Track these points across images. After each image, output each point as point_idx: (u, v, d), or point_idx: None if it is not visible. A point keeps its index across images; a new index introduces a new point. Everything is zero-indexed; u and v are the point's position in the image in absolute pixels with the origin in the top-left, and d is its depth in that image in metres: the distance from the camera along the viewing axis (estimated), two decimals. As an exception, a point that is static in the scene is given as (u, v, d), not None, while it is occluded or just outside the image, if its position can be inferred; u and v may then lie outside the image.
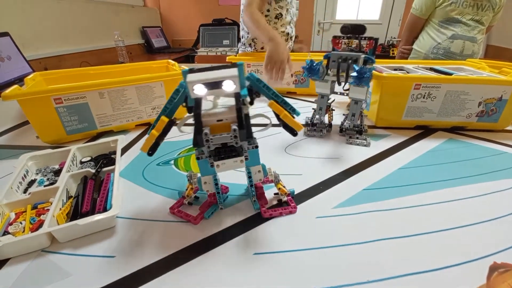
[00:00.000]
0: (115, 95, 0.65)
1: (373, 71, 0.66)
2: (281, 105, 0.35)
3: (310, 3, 2.99)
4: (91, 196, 0.41)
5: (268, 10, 1.20)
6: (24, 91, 0.58)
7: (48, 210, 0.39)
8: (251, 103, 0.34)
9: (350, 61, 0.56)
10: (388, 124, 0.71)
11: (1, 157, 0.58)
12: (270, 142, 0.62)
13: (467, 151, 0.60)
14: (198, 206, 0.42)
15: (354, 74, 0.51)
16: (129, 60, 2.12)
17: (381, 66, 0.80)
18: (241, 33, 1.36)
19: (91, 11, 2.14)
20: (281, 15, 1.22)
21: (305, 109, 0.82)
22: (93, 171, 0.47)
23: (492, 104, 0.66)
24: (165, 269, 0.32)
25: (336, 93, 0.64)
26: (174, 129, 0.35)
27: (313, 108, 0.66)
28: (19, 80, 1.18)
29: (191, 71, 0.30)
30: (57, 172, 0.49)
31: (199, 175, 0.38)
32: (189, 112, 0.33)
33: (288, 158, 0.56)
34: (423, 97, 0.65)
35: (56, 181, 0.45)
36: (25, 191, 0.45)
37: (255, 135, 0.36)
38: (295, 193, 0.45)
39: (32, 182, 0.47)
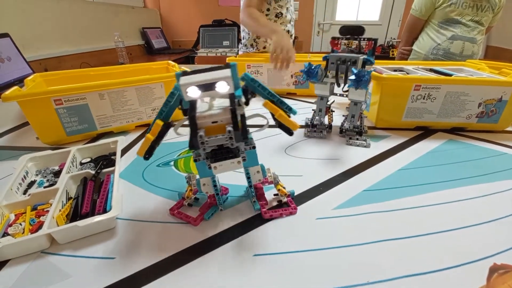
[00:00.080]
0: (115, 96, 0.65)
1: (373, 72, 0.67)
2: (277, 104, 0.35)
3: (310, 4, 2.99)
4: (91, 197, 0.41)
5: (268, 9, 1.20)
6: (24, 92, 0.58)
7: (47, 211, 0.39)
8: (246, 103, 0.34)
9: (349, 63, 0.56)
10: (388, 125, 0.71)
11: (1, 158, 0.58)
12: (270, 143, 0.62)
13: (467, 152, 0.60)
14: (198, 208, 0.42)
15: (353, 77, 0.51)
16: (129, 61, 2.12)
17: (381, 67, 0.81)
18: (242, 34, 1.37)
19: (91, 12, 2.14)
20: (281, 14, 1.23)
21: (305, 110, 0.82)
22: (93, 172, 0.47)
23: (492, 105, 0.66)
24: (165, 270, 0.32)
25: (336, 94, 0.64)
26: (173, 130, 0.35)
27: (313, 109, 0.66)
28: (19, 81, 1.18)
29: (185, 73, 0.30)
30: (57, 173, 0.49)
31: (197, 176, 0.38)
32: (185, 115, 0.33)
33: (288, 159, 0.56)
34: (423, 98, 0.65)
35: (56, 182, 0.45)
36: (24, 192, 0.45)
37: (253, 135, 0.36)
38: (296, 194, 0.45)
39: (32, 183, 0.47)
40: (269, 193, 0.45)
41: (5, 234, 0.36)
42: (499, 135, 0.69)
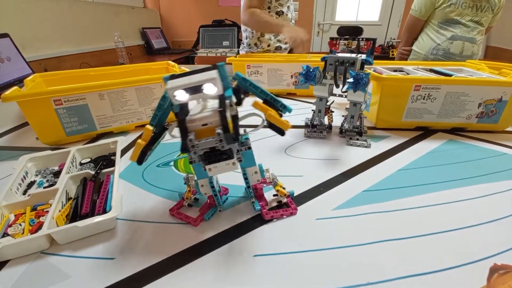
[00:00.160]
0: (115, 96, 0.65)
1: (373, 72, 0.67)
2: (271, 102, 0.34)
3: (309, 4, 3.00)
4: (90, 197, 0.41)
5: (269, 8, 1.21)
6: (24, 92, 0.58)
7: (47, 211, 0.39)
8: (238, 103, 0.33)
9: (347, 64, 0.56)
10: (388, 125, 0.71)
11: (1, 159, 0.58)
12: (270, 143, 0.62)
13: (467, 152, 0.60)
14: (198, 208, 0.41)
15: (351, 80, 0.51)
16: (129, 61, 2.12)
17: (381, 67, 0.81)
18: (244, 34, 1.37)
19: (91, 12, 2.14)
20: (282, 12, 1.24)
21: (305, 110, 0.82)
22: (93, 172, 0.47)
23: (492, 105, 0.66)
24: (165, 271, 0.32)
25: (335, 95, 0.64)
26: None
27: (312, 110, 0.66)
28: (19, 81, 1.18)
29: (172, 77, 0.30)
30: (57, 174, 0.49)
31: (196, 177, 0.38)
32: (177, 118, 0.32)
33: (288, 159, 0.56)
34: (423, 98, 0.66)
35: (55, 182, 0.44)
36: (24, 192, 0.45)
37: (250, 135, 0.36)
38: (296, 194, 0.45)
39: (31, 184, 0.47)
40: (269, 194, 0.44)
41: (5, 234, 0.36)
42: (499, 135, 0.69)
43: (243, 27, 1.36)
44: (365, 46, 0.60)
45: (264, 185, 0.44)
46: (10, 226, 0.37)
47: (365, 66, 0.58)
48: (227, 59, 0.98)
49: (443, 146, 0.63)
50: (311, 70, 0.57)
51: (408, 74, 0.77)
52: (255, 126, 0.34)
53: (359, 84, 0.51)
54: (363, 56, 0.58)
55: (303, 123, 0.73)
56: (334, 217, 0.40)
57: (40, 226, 0.36)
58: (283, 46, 1.39)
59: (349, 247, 0.35)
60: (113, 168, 0.47)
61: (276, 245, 0.35)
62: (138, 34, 2.74)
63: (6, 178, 0.50)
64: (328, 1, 3.01)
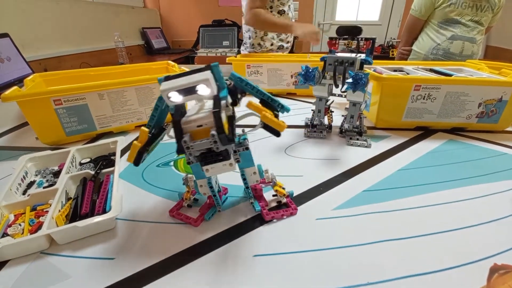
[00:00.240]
0: (114, 96, 0.64)
1: (373, 72, 0.67)
2: (268, 102, 0.34)
3: (310, 4, 3.00)
4: (90, 197, 0.41)
5: (271, 7, 1.22)
6: (24, 92, 0.58)
7: (47, 212, 0.39)
8: (233, 104, 0.33)
9: (346, 64, 0.56)
10: (388, 125, 0.71)
11: (0, 159, 0.58)
12: (270, 143, 0.62)
13: (467, 152, 0.60)
14: (198, 208, 0.41)
15: (350, 80, 0.51)
16: (129, 61, 2.12)
17: (381, 67, 0.80)
18: (247, 34, 1.38)
19: (91, 12, 2.14)
20: (284, 11, 1.26)
21: (305, 110, 0.82)
22: (93, 172, 0.47)
23: (492, 105, 0.66)
24: (165, 271, 0.32)
25: (334, 94, 0.64)
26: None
27: (312, 110, 0.66)
28: (19, 81, 1.17)
29: (167, 78, 0.29)
30: (57, 174, 0.49)
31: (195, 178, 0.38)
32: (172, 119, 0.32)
33: (288, 159, 0.56)
34: (423, 98, 0.65)
35: (55, 182, 0.44)
36: (24, 192, 0.45)
37: (249, 135, 0.36)
38: (296, 194, 0.45)
39: (31, 184, 0.47)
40: (268, 194, 0.44)
41: (5, 234, 0.36)
42: (499, 135, 0.69)
43: (245, 27, 1.37)
44: (364, 46, 0.60)
45: (263, 185, 0.44)
46: (9, 226, 0.37)
47: (365, 66, 0.58)
48: (227, 59, 0.98)
49: (443, 146, 0.62)
50: (310, 70, 0.57)
51: (408, 74, 0.77)
52: (254, 126, 0.34)
53: (358, 84, 0.51)
54: (363, 56, 0.58)
55: (303, 123, 0.73)
56: (334, 217, 0.40)
57: (39, 226, 0.36)
58: (285, 45, 1.42)
59: (349, 247, 0.35)
60: (113, 168, 0.47)
61: (276, 245, 0.35)
62: (138, 34, 2.74)
63: (5, 178, 0.50)
64: (328, 1, 3.01)
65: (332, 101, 0.65)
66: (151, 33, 2.78)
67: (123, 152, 0.59)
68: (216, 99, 0.30)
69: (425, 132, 0.69)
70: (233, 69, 0.97)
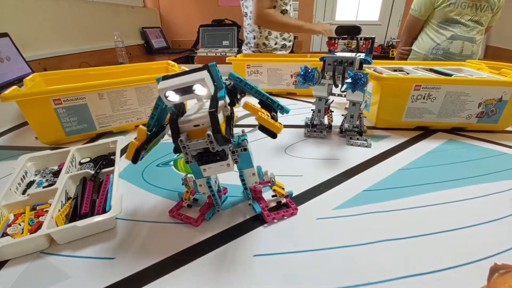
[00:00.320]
0: (114, 96, 0.64)
1: (373, 72, 0.67)
2: (267, 103, 0.34)
3: (309, 4, 3.00)
4: (90, 197, 0.41)
5: (275, 7, 1.26)
6: (23, 92, 0.58)
7: (47, 211, 0.38)
8: (231, 104, 0.33)
9: (346, 63, 0.56)
10: (388, 125, 0.71)
11: (0, 158, 0.58)
12: (270, 143, 0.62)
13: (467, 152, 0.60)
14: (198, 208, 0.41)
15: (349, 80, 0.51)
16: (128, 61, 2.12)
17: (381, 67, 0.80)
18: (251, 34, 1.40)
19: (90, 12, 2.14)
20: (286, 10, 1.29)
21: (305, 110, 0.82)
22: (92, 172, 0.46)
23: (492, 105, 0.66)
24: (165, 271, 0.32)
25: (334, 94, 0.64)
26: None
27: (312, 110, 0.66)
28: (18, 81, 1.17)
29: (165, 77, 0.30)
30: (56, 173, 0.49)
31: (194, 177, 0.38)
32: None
33: (288, 159, 0.56)
34: (423, 98, 0.65)
35: (55, 182, 0.44)
36: (24, 192, 0.45)
37: (249, 135, 0.36)
38: (295, 194, 0.45)
39: (31, 183, 0.47)
40: (268, 194, 0.44)
41: (4, 234, 0.36)
42: (499, 135, 0.69)
43: (249, 28, 1.39)
44: (364, 46, 0.60)
45: (262, 185, 0.44)
46: (9, 226, 0.37)
47: (364, 65, 0.58)
48: (227, 58, 0.98)
49: (443, 145, 0.62)
50: (310, 70, 0.57)
51: (408, 74, 0.77)
52: (255, 126, 0.34)
53: (358, 84, 0.51)
54: (362, 56, 0.58)
55: (303, 123, 0.73)
56: (334, 216, 0.40)
57: (39, 225, 0.36)
58: (288, 44, 1.45)
59: (349, 247, 0.35)
60: (112, 167, 0.47)
61: (276, 245, 0.35)
62: (138, 33, 2.74)
63: (5, 177, 0.50)
64: (328, 1, 3.01)
65: (332, 101, 0.65)
66: (151, 32, 2.78)
67: (123, 151, 0.58)
68: (213, 99, 0.30)
69: (425, 132, 0.69)
70: (233, 69, 0.97)
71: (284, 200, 0.42)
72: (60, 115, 0.60)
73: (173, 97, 0.29)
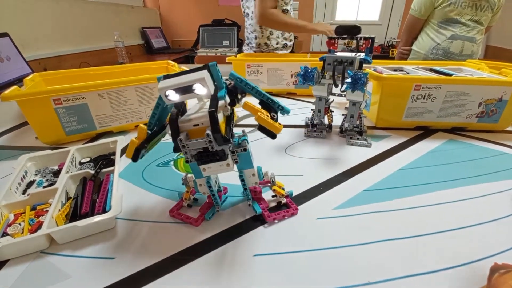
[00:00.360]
0: (114, 95, 0.64)
1: (374, 72, 0.67)
2: (267, 103, 0.34)
3: (309, 4, 3.00)
4: (90, 197, 0.41)
5: (276, 7, 1.27)
6: (23, 91, 0.58)
7: (47, 211, 0.38)
8: (231, 104, 0.33)
9: (345, 63, 0.56)
10: (388, 125, 0.71)
11: (0, 158, 0.58)
12: (270, 142, 0.62)
13: (468, 151, 0.60)
14: (198, 208, 0.41)
15: (349, 80, 0.51)
16: (128, 61, 2.12)
17: (381, 67, 0.80)
18: (253, 34, 1.40)
19: (90, 12, 2.14)
20: (287, 10, 1.30)
21: (305, 110, 0.82)
22: (93, 172, 0.46)
23: (492, 105, 0.66)
24: (165, 270, 0.32)
25: (334, 94, 0.64)
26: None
27: (312, 109, 0.66)
28: (19, 81, 1.17)
29: (166, 77, 0.30)
30: (56, 173, 0.49)
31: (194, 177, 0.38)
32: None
33: (289, 159, 0.56)
34: (423, 98, 0.65)
35: (55, 182, 0.44)
36: (24, 192, 0.45)
37: (250, 135, 0.36)
38: (296, 194, 0.45)
39: (31, 183, 0.47)
40: (268, 194, 0.44)
41: (4, 234, 0.36)
42: (499, 135, 0.69)
43: (251, 28, 1.39)
44: (364, 45, 0.59)
45: (261, 186, 0.44)
46: (9, 225, 0.37)
47: (364, 65, 0.58)
48: (227, 58, 0.98)
49: (443, 145, 0.62)
50: (309, 70, 0.57)
51: (408, 73, 0.77)
52: (255, 126, 0.34)
53: (357, 84, 0.51)
54: (362, 55, 0.58)
55: (303, 123, 0.73)
56: (334, 216, 0.40)
57: (39, 225, 0.36)
58: (289, 43, 1.47)
59: (350, 247, 0.35)
60: (112, 167, 0.47)
61: (276, 244, 0.35)
62: (138, 33, 2.74)
63: (5, 177, 0.50)
64: (328, 1, 3.00)
65: (332, 101, 0.65)
66: (151, 32, 2.78)
67: (123, 151, 0.58)
68: (213, 99, 0.30)
69: (425, 132, 0.69)
70: (233, 68, 0.97)
71: (284, 200, 0.42)
72: (60, 115, 0.60)
73: (173, 96, 0.29)
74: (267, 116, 0.33)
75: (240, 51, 2.46)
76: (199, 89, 0.29)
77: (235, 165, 0.36)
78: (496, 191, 0.46)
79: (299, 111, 0.81)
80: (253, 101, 0.34)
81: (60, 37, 1.85)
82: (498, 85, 0.64)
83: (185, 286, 0.30)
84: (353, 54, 0.59)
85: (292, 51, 1.55)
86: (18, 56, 1.28)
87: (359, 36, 0.59)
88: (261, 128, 0.33)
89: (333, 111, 0.69)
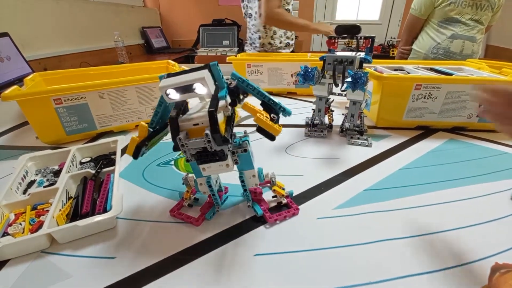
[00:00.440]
0: (115, 95, 0.64)
1: (374, 71, 0.66)
2: (269, 104, 0.34)
3: (310, 3, 2.99)
4: (91, 197, 0.41)
5: (280, 7, 1.28)
6: (24, 91, 0.58)
7: (47, 211, 0.38)
8: (232, 104, 0.33)
9: (345, 63, 0.56)
10: (388, 125, 0.71)
11: (1, 158, 0.58)
12: (270, 142, 0.61)
13: (468, 151, 0.60)
14: (199, 207, 0.41)
15: (349, 79, 0.51)
16: (129, 61, 2.11)
17: (382, 67, 0.80)
18: (257, 34, 1.41)
19: (90, 11, 2.13)
20: (289, 10, 1.31)
21: (305, 110, 0.82)
22: (93, 171, 0.46)
23: (493, 105, 0.66)
24: (166, 270, 0.32)
25: (335, 93, 0.64)
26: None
27: (312, 109, 0.66)
28: (19, 81, 1.17)
29: (169, 75, 0.30)
30: (57, 173, 0.49)
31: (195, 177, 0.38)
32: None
33: (289, 158, 0.56)
34: (424, 98, 0.65)
35: (55, 182, 0.44)
36: (24, 192, 0.45)
37: (251, 135, 0.36)
38: (297, 193, 0.45)
39: (31, 183, 0.47)
40: (267, 194, 0.44)
41: (5, 233, 0.36)
42: (500, 134, 0.69)
43: (254, 28, 1.40)
44: (364, 45, 0.59)
45: (261, 186, 0.44)
46: (10, 225, 0.37)
47: (364, 64, 0.57)
48: (227, 58, 0.98)
49: (443, 145, 0.62)
50: (309, 70, 0.57)
51: (408, 73, 0.77)
52: (254, 126, 0.34)
53: (358, 83, 0.51)
54: (362, 55, 0.57)
55: (303, 122, 0.73)
56: (335, 216, 0.40)
57: (40, 225, 0.36)
58: (291, 42, 1.48)
59: (350, 247, 0.35)
60: (113, 167, 0.47)
61: (277, 244, 0.35)
62: (138, 33, 2.74)
63: (6, 177, 0.50)
64: (328, 1, 3.00)
65: (333, 100, 0.65)
66: (151, 32, 2.78)
67: (123, 151, 0.58)
68: (214, 99, 0.30)
69: (425, 131, 0.69)
70: (234, 68, 0.97)
71: (284, 201, 0.42)
72: (61, 115, 0.60)
73: (174, 95, 0.29)
74: (267, 117, 0.33)
75: (240, 50, 2.46)
76: (199, 88, 0.29)
77: (235, 165, 0.36)
78: (496, 190, 0.46)
79: (300, 110, 0.81)
80: (255, 102, 0.34)
81: (60, 37, 1.84)
82: (498, 85, 0.64)
83: (186, 286, 0.30)
84: (353, 53, 0.59)
85: (292, 51, 1.55)
86: (18, 56, 1.28)
87: (359, 35, 0.59)
88: (260, 130, 0.33)
89: (333, 111, 0.69)
